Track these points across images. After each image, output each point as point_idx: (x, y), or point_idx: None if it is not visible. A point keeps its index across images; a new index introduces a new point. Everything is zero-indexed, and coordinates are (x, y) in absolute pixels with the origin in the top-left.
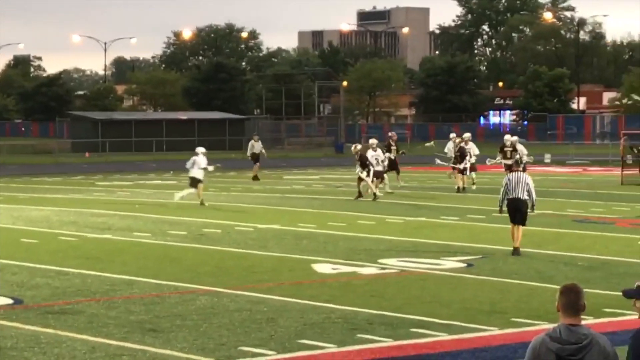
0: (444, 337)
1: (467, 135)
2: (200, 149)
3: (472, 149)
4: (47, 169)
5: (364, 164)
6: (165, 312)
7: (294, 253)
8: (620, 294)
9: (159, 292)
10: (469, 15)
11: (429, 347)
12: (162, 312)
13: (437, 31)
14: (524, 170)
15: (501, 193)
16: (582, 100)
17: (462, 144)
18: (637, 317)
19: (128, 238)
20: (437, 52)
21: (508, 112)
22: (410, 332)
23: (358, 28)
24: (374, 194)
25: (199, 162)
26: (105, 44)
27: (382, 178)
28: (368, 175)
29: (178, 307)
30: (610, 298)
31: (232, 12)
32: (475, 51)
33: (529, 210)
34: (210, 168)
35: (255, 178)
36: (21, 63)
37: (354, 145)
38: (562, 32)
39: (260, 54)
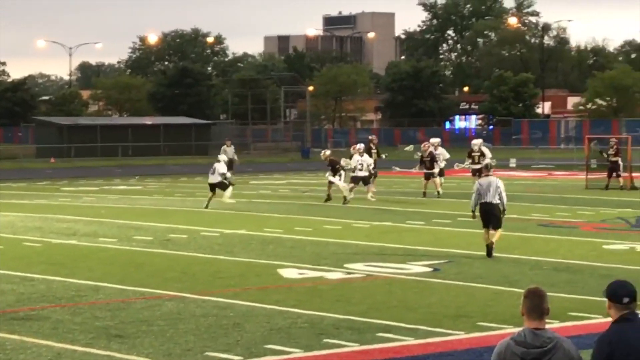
0: (410, 341)
1: (436, 140)
2: (222, 157)
3: (442, 153)
4: (11, 175)
5: (335, 168)
6: (131, 317)
7: (261, 258)
8: (585, 297)
9: (124, 297)
10: (434, 21)
11: (395, 352)
12: (128, 318)
13: (403, 36)
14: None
15: (473, 198)
16: (547, 104)
17: (432, 149)
18: (600, 320)
19: (93, 244)
20: (402, 57)
21: (473, 116)
22: (377, 337)
23: (324, 33)
24: (345, 197)
25: (219, 168)
26: (70, 49)
27: (367, 183)
28: (340, 179)
29: (144, 312)
30: (575, 302)
31: (198, 17)
32: (441, 56)
33: (500, 214)
34: (229, 175)
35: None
36: None
37: (323, 152)
38: (527, 37)
39: (226, 59)
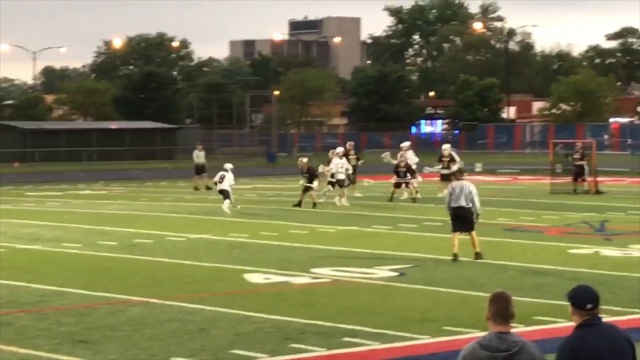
0: (376, 346)
1: (405, 144)
2: (229, 165)
3: (411, 157)
4: None
5: (314, 176)
6: (96, 323)
7: (226, 263)
8: (550, 302)
9: (89, 303)
10: (400, 25)
11: (361, 356)
12: (93, 323)
13: (369, 41)
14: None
15: (446, 202)
16: (512, 109)
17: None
18: (565, 325)
19: (58, 249)
20: (368, 62)
21: (439, 121)
22: (343, 342)
23: (290, 37)
24: (314, 202)
25: (230, 178)
26: (34, 53)
27: (342, 186)
28: (316, 183)
29: (109, 318)
30: (541, 306)
31: (163, 22)
32: (407, 61)
33: (473, 218)
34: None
35: (199, 188)
36: None
37: (300, 159)
38: (492, 42)
39: (192, 63)
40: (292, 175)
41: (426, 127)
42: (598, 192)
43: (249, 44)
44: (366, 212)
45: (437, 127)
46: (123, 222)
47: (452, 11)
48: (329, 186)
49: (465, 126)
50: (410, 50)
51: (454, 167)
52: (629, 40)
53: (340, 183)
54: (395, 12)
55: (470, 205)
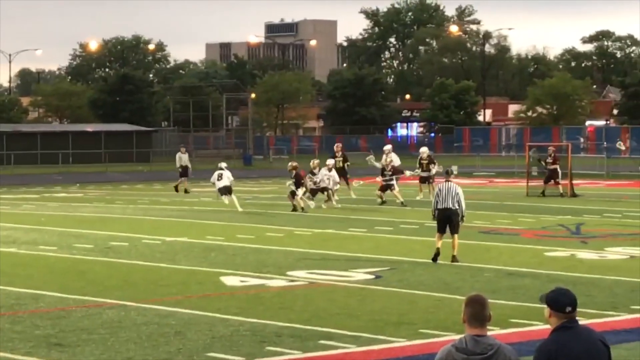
0: (353, 348)
1: (387, 147)
2: (224, 164)
3: (394, 160)
4: None
5: (300, 183)
6: (72, 326)
7: (203, 266)
8: (526, 304)
9: (65, 306)
10: (376, 28)
11: (338, 359)
12: (69, 326)
13: (345, 44)
14: (433, 181)
15: (433, 203)
16: (488, 112)
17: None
18: (541, 327)
19: (33, 251)
20: (344, 65)
21: (415, 124)
22: (319, 344)
23: (266, 40)
24: (302, 207)
25: (228, 175)
26: (10, 55)
27: (327, 190)
28: (301, 190)
29: (84, 321)
30: (517, 309)
31: (139, 24)
32: (383, 64)
33: (459, 219)
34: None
35: (179, 190)
36: None
37: (290, 163)
38: (468, 45)
39: (168, 66)
40: (268, 178)
41: (402, 130)
42: (574, 195)
43: (225, 47)
44: (343, 215)
45: (413, 130)
46: (99, 224)
47: (428, 14)
48: (309, 194)
49: (441, 129)
50: (386, 53)
51: (433, 170)
52: (605, 43)
53: (324, 190)
54: (371, 14)
55: (457, 207)
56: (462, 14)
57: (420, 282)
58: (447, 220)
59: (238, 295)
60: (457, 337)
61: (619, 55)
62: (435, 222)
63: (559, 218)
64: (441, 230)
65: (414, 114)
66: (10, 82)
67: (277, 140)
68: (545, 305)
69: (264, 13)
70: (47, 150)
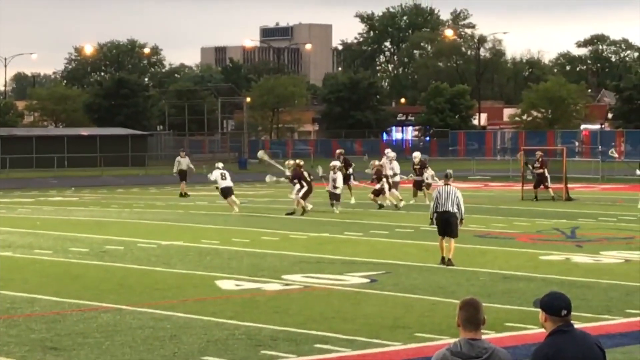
0: (348, 352)
1: (392, 154)
2: (220, 164)
3: (394, 167)
4: None
5: (300, 182)
6: (67, 330)
7: (198, 270)
8: (522, 308)
9: (60, 309)
10: (371, 32)
11: None
12: (64, 330)
13: (340, 48)
14: (426, 186)
15: (432, 207)
16: (483, 116)
17: (377, 163)
18: (537, 331)
19: (29, 255)
20: (339, 69)
21: (410, 128)
22: (314, 348)
23: (261, 44)
24: (303, 208)
25: (227, 175)
26: (5, 59)
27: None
28: (298, 191)
29: (80, 324)
30: (512, 312)
31: (134, 28)
32: (378, 68)
33: (458, 222)
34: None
35: (183, 195)
36: None
37: (292, 161)
38: (463, 49)
39: (163, 70)
40: (263, 181)
41: (397, 134)
42: (569, 199)
43: (220, 51)
44: (338, 219)
45: (408, 133)
46: (94, 228)
47: (423, 18)
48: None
49: (436, 133)
50: (381, 57)
51: (426, 174)
52: (600, 47)
53: (337, 197)
54: (366, 18)
55: (456, 210)
56: (457, 18)
57: (415, 286)
58: (446, 223)
59: (233, 299)
60: (452, 340)
61: (613, 59)
62: (433, 226)
63: (554, 222)
64: (443, 234)
65: (409, 117)
66: (5, 86)
67: (272, 144)
68: (540, 310)
69: (259, 17)
70: (43, 154)
